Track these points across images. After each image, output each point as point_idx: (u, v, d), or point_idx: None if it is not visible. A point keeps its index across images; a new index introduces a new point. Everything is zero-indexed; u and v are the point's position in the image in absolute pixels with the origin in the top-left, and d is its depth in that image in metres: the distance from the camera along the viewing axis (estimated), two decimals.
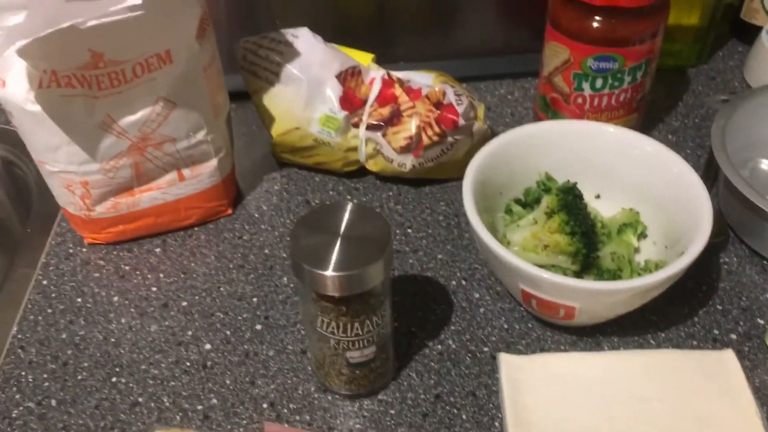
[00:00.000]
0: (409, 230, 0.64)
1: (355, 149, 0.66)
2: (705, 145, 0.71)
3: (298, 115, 0.65)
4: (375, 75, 0.66)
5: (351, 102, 0.65)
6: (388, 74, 0.66)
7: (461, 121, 0.63)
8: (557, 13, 0.62)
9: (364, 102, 0.65)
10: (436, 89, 0.64)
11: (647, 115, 0.71)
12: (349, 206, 0.45)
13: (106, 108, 0.54)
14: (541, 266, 0.48)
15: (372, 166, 0.67)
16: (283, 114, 0.66)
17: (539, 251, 0.53)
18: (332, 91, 0.65)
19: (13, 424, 0.50)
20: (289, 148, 0.68)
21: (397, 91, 0.65)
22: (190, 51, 0.55)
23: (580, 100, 0.64)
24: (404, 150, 0.64)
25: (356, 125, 0.65)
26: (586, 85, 0.63)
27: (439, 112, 0.63)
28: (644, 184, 0.57)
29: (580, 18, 0.60)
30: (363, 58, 0.68)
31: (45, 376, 0.53)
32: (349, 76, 0.66)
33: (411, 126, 0.63)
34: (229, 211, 0.66)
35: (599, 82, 0.63)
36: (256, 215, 0.66)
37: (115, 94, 0.54)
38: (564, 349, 0.54)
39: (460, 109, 0.63)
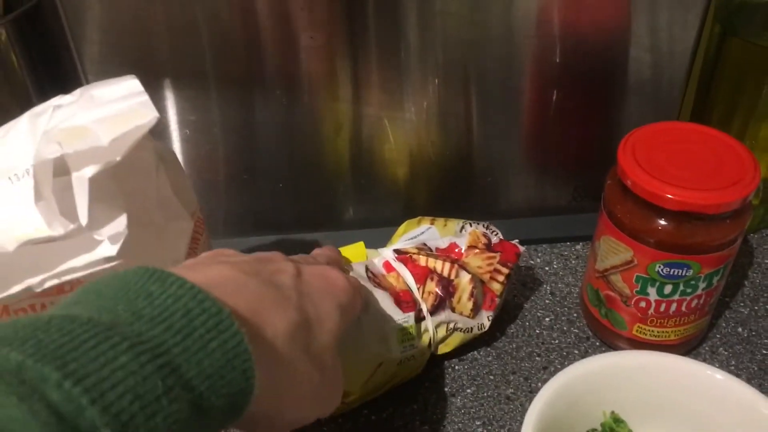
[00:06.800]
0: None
1: (429, 345, 0.55)
2: None
3: (374, 350, 0.51)
4: (384, 258, 0.56)
5: (403, 299, 0.54)
6: (396, 251, 0.56)
7: (520, 247, 0.59)
8: (617, 208, 0.52)
9: (410, 291, 0.55)
10: (475, 232, 0.59)
11: None
12: None
13: None
14: None
15: (444, 347, 0.57)
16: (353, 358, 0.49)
17: None
18: (388, 301, 0.53)
19: None
20: (371, 391, 0.53)
21: (422, 261, 0.55)
22: None
23: (643, 304, 0.54)
24: (476, 310, 0.56)
25: (420, 318, 0.54)
26: (651, 290, 0.53)
27: (499, 252, 0.57)
28: None
29: (647, 218, 0.51)
30: (357, 253, 0.57)
31: None
32: (377, 277, 0.55)
33: (464, 281, 0.55)
34: None
35: (668, 288, 0.52)
36: None
37: None
38: None
39: (499, 235, 0.60)
